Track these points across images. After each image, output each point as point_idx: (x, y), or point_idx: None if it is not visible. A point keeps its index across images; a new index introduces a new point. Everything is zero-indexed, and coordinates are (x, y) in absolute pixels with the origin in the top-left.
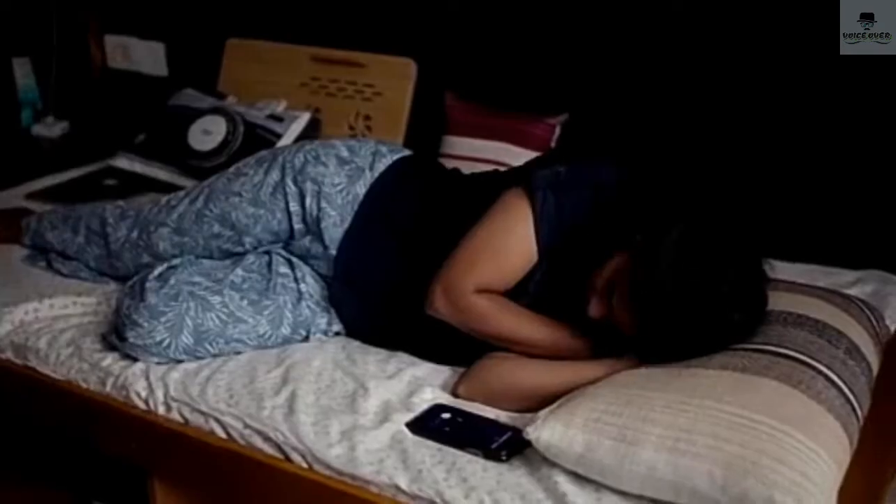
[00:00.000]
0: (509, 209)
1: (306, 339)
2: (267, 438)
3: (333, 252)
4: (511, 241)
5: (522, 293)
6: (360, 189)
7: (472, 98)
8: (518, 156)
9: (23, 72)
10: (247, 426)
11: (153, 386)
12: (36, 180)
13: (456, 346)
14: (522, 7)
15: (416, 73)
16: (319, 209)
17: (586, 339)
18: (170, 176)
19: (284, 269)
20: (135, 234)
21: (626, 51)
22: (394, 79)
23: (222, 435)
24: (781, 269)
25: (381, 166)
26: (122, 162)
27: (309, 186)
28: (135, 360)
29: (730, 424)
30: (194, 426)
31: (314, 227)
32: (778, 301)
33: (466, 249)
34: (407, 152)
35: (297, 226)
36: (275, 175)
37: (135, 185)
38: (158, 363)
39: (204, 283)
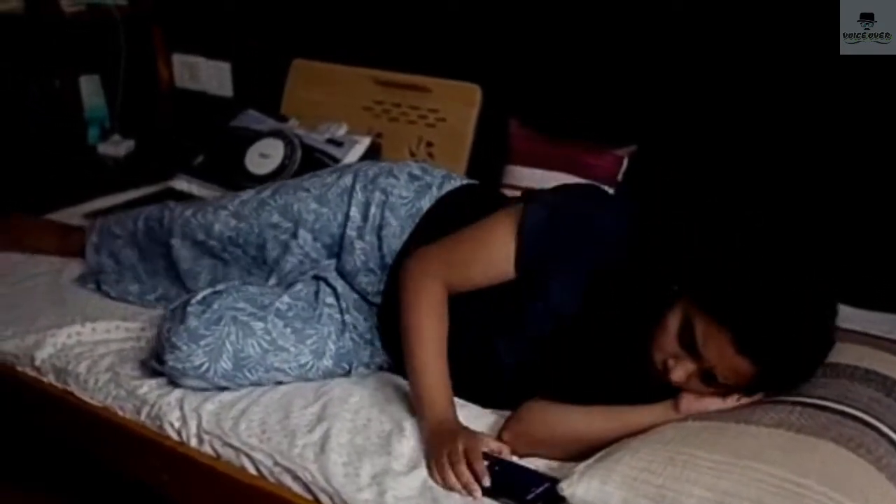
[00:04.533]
0: (498, 216)
1: (348, 373)
2: (296, 477)
3: (390, 262)
4: (488, 246)
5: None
6: (425, 204)
7: (537, 126)
8: None
9: (91, 89)
10: (277, 463)
11: (187, 417)
12: (96, 199)
13: (496, 380)
14: (592, 34)
15: (482, 100)
16: (383, 217)
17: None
18: None
19: (330, 300)
20: (190, 211)
21: (695, 81)
22: (458, 104)
23: (252, 471)
24: (855, 318)
25: (450, 187)
26: (181, 183)
27: (377, 196)
28: (171, 389)
29: (777, 489)
30: (225, 460)
31: (373, 237)
32: (845, 353)
33: (447, 242)
34: (475, 182)
35: (350, 232)
36: (347, 180)
37: None
38: (196, 388)
39: (248, 309)
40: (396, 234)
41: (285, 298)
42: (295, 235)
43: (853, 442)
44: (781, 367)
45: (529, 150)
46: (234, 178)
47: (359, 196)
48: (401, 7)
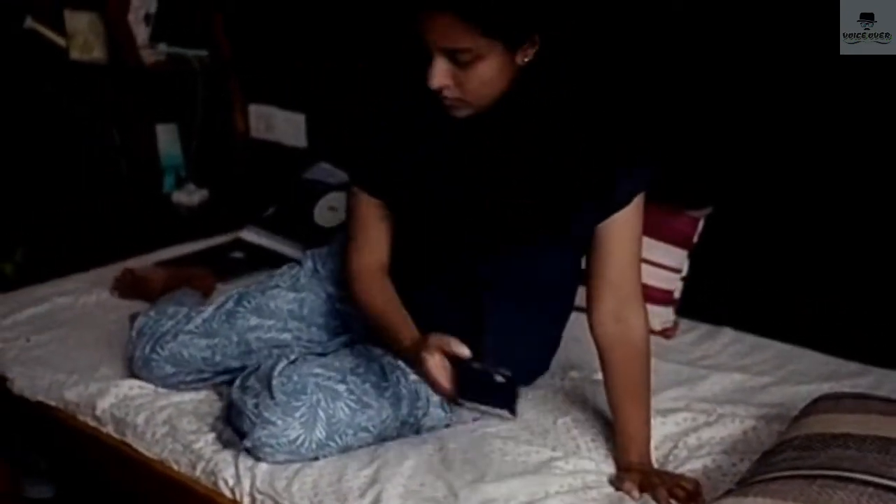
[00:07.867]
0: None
1: (417, 429)
2: None
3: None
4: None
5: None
6: None
7: None
8: (657, 250)
9: (168, 138)
10: None
11: (241, 475)
12: (167, 248)
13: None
14: (667, 95)
15: None
16: None
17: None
18: (294, 252)
19: (378, 351)
20: (147, 348)
21: (773, 143)
22: None
23: None
24: None
25: None
26: (251, 235)
27: (339, 263)
28: (226, 446)
29: None
30: None
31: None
32: None
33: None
34: None
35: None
36: (308, 263)
37: (261, 259)
38: (282, 462)
39: (325, 374)
40: None
41: (350, 357)
42: (285, 329)
43: None
44: None
45: None
46: (304, 231)
47: (323, 274)
48: None
